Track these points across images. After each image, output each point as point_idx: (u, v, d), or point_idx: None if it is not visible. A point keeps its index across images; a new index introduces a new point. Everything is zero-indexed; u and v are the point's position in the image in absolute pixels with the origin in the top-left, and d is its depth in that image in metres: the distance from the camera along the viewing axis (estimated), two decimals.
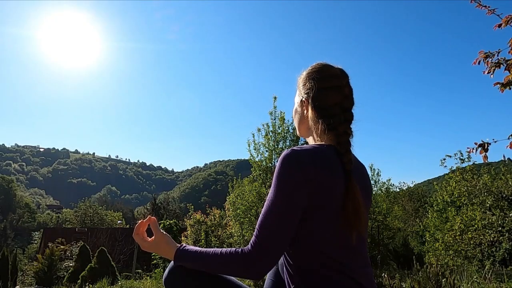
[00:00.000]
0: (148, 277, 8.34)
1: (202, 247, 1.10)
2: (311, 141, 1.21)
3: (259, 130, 9.47)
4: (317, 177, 0.97)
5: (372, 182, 14.92)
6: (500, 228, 8.80)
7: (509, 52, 2.26)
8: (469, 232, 9.42)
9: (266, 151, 9.43)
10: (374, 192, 14.66)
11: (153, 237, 1.21)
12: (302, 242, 1.01)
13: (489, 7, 2.31)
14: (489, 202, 9.35)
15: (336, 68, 1.19)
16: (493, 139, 2.34)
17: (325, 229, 0.99)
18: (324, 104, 1.12)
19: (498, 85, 2.30)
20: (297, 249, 1.02)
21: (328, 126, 1.10)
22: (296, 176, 0.97)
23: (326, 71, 1.17)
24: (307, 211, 0.99)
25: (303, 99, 1.19)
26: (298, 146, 1.05)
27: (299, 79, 1.24)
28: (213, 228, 14.04)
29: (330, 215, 0.98)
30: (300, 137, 8.87)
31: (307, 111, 1.18)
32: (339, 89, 1.14)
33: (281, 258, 1.09)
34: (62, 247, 13.09)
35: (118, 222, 32.69)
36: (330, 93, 1.13)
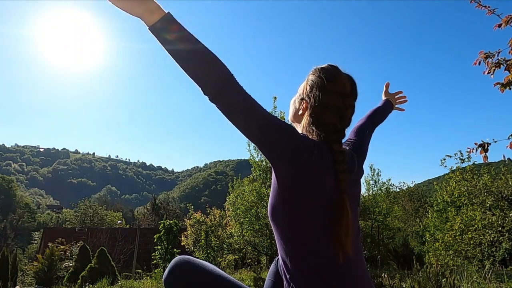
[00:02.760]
0: (148, 277, 8.35)
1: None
2: (299, 129, 1.21)
3: None
4: (310, 160, 0.98)
5: (372, 182, 14.89)
6: (500, 228, 8.80)
7: (509, 52, 2.27)
8: (469, 232, 9.41)
9: None
10: (374, 192, 14.65)
11: None
12: (296, 239, 1.00)
13: (489, 7, 2.32)
14: (489, 202, 9.35)
15: (349, 85, 1.14)
16: (493, 139, 2.35)
17: (317, 227, 0.99)
18: (320, 120, 1.11)
19: (498, 85, 2.30)
20: (293, 247, 1.01)
21: (320, 135, 1.11)
22: (296, 140, 0.98)
23: (337, 85, 1.12)
24: (293, 196, 0.99)
25: (305, 99, 1.17)
26: None
27: (310, 74, 1.18)
28: (213, 228, 14.01)
29: (318, 214, 0.99)
30: None
31: (303, 114, 1.17)
32: (341, 111, 1.11)
33: (280, 257, 1.09)
34: (62, 247, 13.05)
35: (118, 222, 32.60)
36: (330, 111, 1.11)
